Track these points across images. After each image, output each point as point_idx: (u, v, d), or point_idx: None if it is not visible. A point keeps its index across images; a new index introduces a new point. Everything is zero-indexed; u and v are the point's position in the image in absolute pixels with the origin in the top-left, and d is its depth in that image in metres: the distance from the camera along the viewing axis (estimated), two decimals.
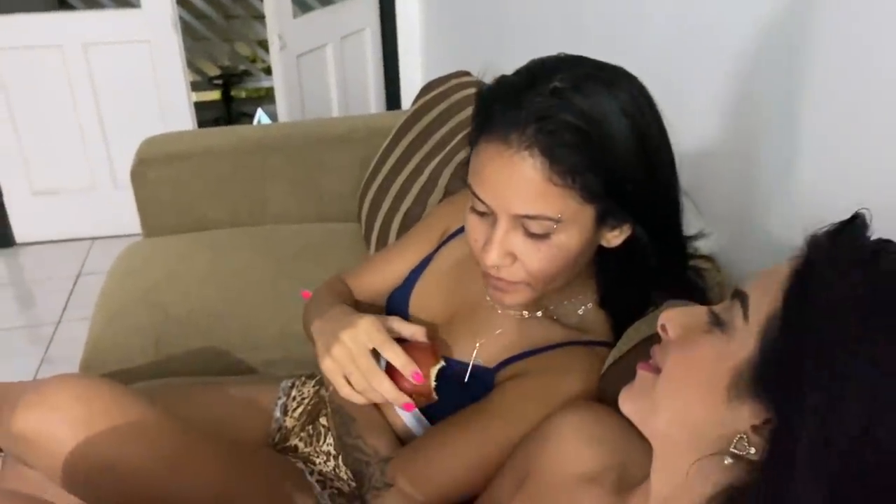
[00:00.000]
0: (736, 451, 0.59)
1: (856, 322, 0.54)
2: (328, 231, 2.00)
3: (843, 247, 0.58)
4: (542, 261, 0.86)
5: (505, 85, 0.86)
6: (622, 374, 0.93)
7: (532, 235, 0.85)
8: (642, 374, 0.69)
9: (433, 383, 0.92)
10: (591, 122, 0.80)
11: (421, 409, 1.02)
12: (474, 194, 0.87)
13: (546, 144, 0.79)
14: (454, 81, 1.87)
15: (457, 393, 0.99)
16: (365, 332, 0.92)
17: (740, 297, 0.62)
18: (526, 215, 0.83)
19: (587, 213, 0.84)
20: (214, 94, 4.85)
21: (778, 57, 1.10)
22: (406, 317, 1.10)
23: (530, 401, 0.93)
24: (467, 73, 1.91)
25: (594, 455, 0.78)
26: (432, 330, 1.05)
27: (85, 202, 3.10)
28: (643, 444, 0.69)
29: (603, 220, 0.86)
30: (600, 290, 1.00)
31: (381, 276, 1.20)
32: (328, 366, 0.93)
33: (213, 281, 1.75)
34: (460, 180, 1.57)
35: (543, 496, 0.79)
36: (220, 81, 4.79)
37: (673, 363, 0.65)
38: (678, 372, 0.65)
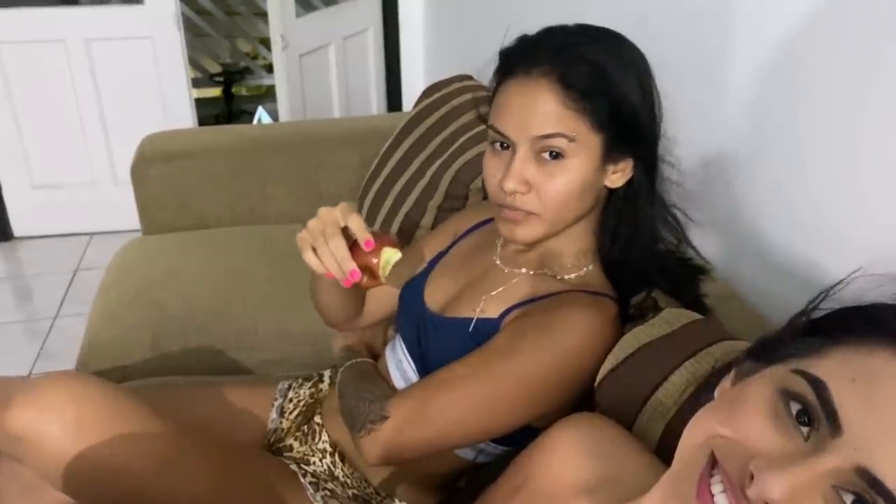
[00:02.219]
0: None
1: None
2: None
3: None
4: (555, 188, 0.93)
5: (524, 39, 0.97)
6: (619, 382, 0.93)
7: (546, 161, 0.92)
8: None
9: (386, 267, 0.95)
10: (601, 59, 0.91)
11: (425, 364, 1.04)
12: (495, 130, 0.95)
13: (561, 73, 0.90)
14: (456, 85, 1.87)
15: (464, 349, 0.99)
16: (339, 209, 0.96)
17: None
18: (543, 135, 0.91)
19: (596, 142, 0.92)
20: (215, 91, 4.85)
21: (780, 61, 1.10)
22: (421, 304, 1.11)
23: (531, 335, 0.95)
24: (469, 77, 1.91)
25: (590, 467, 0.77)
26: None
27: (84, 197, 3.10)
28: (641, 458, 0.68)
29: (608, 154, 0.94)
30: (602, 249, 1.03)
31: None
32: (302, 235, 0.98)
33: (211, 279, 1.75)
34: (460, 184, 1.58)
35: (535, 497, 0.78)
36: (221, 78, 4.79)
37: None
38: None
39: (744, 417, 0.52)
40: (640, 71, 0.94)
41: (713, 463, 0.53)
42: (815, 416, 0.49)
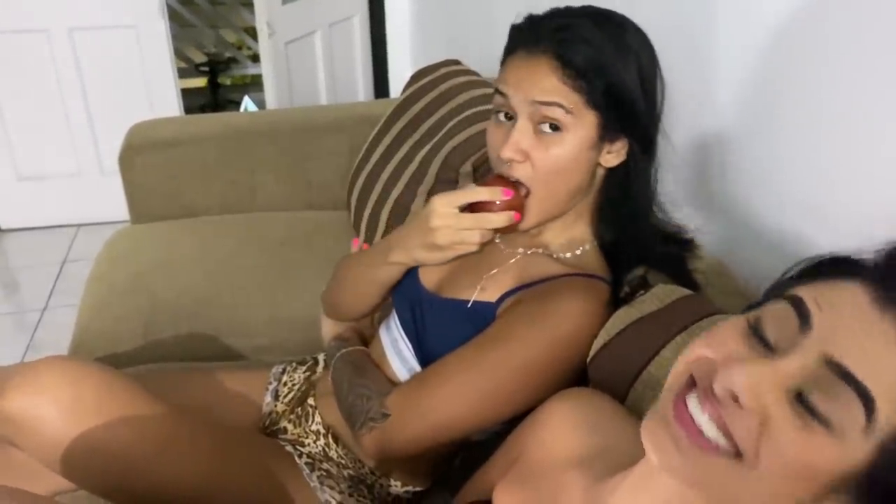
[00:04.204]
0: None
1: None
2: (316, 219, 2.00)
3: None
4: (549, 158, 0.95)
5: (530, 17, 1.00)
6: (611, 357, 0.94)
7: (544, 133, 0.95)
8: (713, 455, 0.54)
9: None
10: (600, 41, 0.93)
11: (422, 345, 1.06)
12: (499, 92, 0.98)
13: (560, 51, 0.93)
14: (443, 70, 1.87)
15: (461, 330, 1.01)
16: (442, 205, 0.97)
17: (863, 398, 0.49)
18: (543, 101, 0.94)
19: (591, 119, 0.94)
20: (201, 81, 4.82)
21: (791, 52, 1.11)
22: (416, 283, 1.11)
23: (525, 323, 0.96)
24: (457, 62, 1.91)
25: (583, 440, 0.78)
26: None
27: (71, 188, 3.08)
28: (633, 430, 0.68)
29: (604, 133, 0.96)
30: (598, 229, 1.04)
31: None
32: (439, 254, 1.00)
33: (201, 267, 1.75)
34: (450, 168, 1.58)
35: (530, 478, 0.79)
36: (206, 68, 4.76)
37: (767, 461, 0.52)
38: (773, 472, 0.52)
39: (721, 335, 0.55)
40: (639, 56, 0.95)
41: (692, 384, 0.55)
42: (788, 326, 0.53)
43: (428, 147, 1.67)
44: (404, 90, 1.94)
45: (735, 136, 1.22)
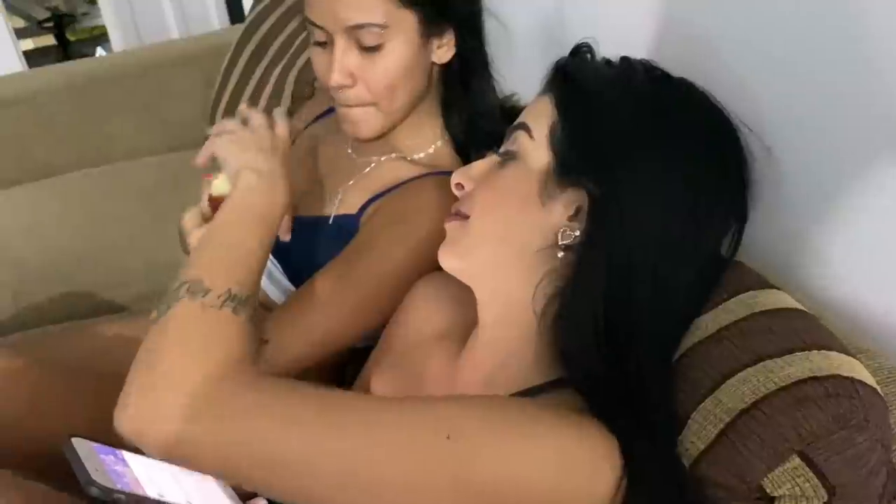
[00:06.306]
0: (560, 243, 0.67)
1: (636, 121, 0.67)
2: (180, 160, 1.91)
3: (589, 66, 0.74)
4: (380, 74, 0.93)
5: None
6: None
7: (366, 50, 0.92)
8: (453, 225, 0.74)
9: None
10: None
11: (292, 267, 1.05)
12: (310, 22, 0.94)
13: None
14: None
15: (328, 247, 1.01)
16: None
17: (521, 127, 0.73)
18: (355, 25, 0.90)
19: (410, 20, 0.92)
20: (48, 39, 4.51)
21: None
22: None
23: (386, 230, 0.97)
24: None
25: (444, 315, 0.83)
26: None
27: None
28: None
29: (427, 30, 0.94)
30: (448, 124, 1.05)
31: None
32: None
33: (69, 226, 1.68)
34: (305, 84, 1.56)
35: (399, 360, 0.83)
36: (50, 24, 4.44)
37: (482, 200, 0.73)
38: (489, 204, 0.72)
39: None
40: None
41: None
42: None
43: (280, 66, 1.64)
44: (249, 12, 1.87)
45: None
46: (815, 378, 0.58)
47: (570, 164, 0.68)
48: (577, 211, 0.68)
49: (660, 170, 0.65)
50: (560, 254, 0.67)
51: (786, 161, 0.80)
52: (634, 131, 0.67)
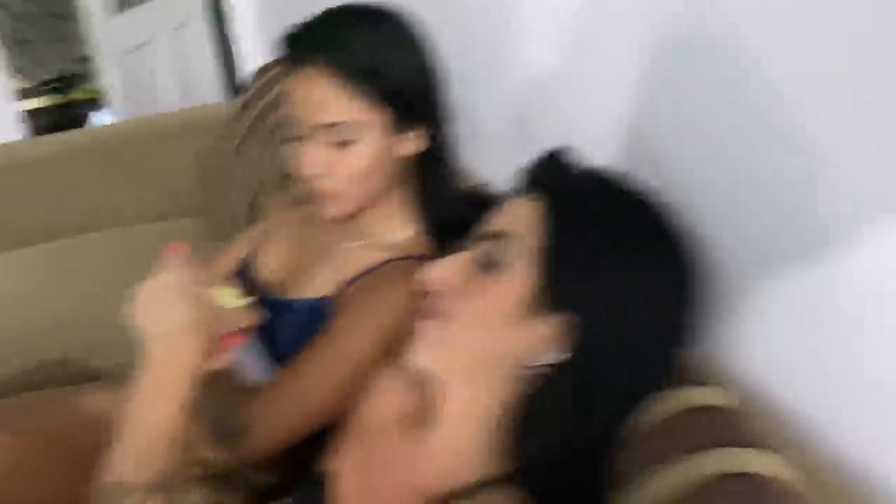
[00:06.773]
0: (537, 363, 0.70)
1: (609, 240, 0.70)
2: (167, 229, 1.98)
3: (571, 179, 0.75)
4: (346, 170, 0.98)
5: (298, 25, 0.99)
6: None
7: (337, 146, 0.96)
8: (430, 324, 0.77)
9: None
10: (370, 40, 0.95)
11: (275, 346, 1.08)
12: (286, 116, 0.98)
13: (333, 59, 0.93)
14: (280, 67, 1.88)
15: (307, 329, 1.04)
16: None
17: (503, 237, 0.74)
18: (325, 124, 0.94)
19: (380, 120, 0.96)
20: (52, 99, 4.61)
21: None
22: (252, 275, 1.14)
23: (355, 316, 1.00)
24: None
25: (405, 398, 0.85)
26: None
27: None
28: None
29: (397, 128, 0.98)
30: (420, 209, 1.08)
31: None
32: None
33: (48, 296, 1.72)
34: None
35: (365, 440, 0.87)
36: (57, 85, 4.55)
37: (469, 311, 0.74)
38: (476, 317, 0.73)
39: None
40: (413, 44, 0.98)
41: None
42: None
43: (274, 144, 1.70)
44: (244, 92, 1.95)
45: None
46: (727, 476, 0.63)
47: (560, 292, 0.70)
48: (560, 335, 0.70)
49: (645, 302, 0.69)
50: (528, 372, 0.71)
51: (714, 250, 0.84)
52: (626, 262, 0.70)
